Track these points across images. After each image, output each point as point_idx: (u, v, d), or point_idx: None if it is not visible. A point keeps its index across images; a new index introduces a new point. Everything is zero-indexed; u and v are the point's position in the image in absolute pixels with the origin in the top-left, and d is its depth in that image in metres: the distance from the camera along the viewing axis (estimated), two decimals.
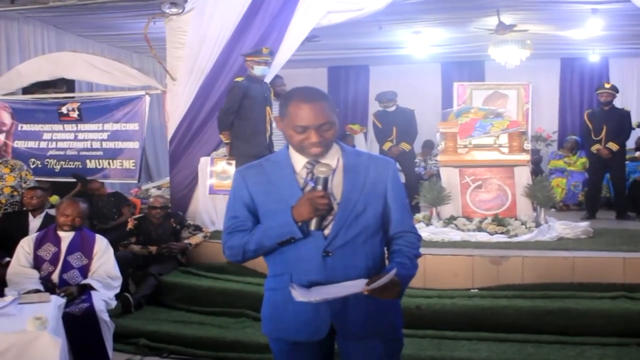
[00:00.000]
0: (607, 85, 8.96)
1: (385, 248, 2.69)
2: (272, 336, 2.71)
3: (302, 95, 2.49)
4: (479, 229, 6.98)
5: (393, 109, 9.46)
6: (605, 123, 8.72)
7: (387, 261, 2.66)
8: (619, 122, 8.77)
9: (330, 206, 2.46)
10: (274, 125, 7.23)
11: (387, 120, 9.45)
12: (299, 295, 2.39)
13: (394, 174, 2.64)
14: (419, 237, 2.70)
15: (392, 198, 2.60)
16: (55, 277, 4.92)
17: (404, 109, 9.55)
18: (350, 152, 2.63)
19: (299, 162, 2.56)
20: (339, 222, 2.51)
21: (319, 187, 2.43)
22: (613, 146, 8.65)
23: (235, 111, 6.83)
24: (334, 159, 2.57)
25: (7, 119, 9.01)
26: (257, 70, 6.97)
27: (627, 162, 10.04)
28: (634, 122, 11.00)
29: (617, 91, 8.91)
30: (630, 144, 10.95)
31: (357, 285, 2.40)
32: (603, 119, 8.78)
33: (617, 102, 9.09)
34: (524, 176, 7.30)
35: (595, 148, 8.81)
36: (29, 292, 4.52)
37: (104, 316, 4.64)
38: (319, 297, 2.38)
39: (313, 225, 2.46)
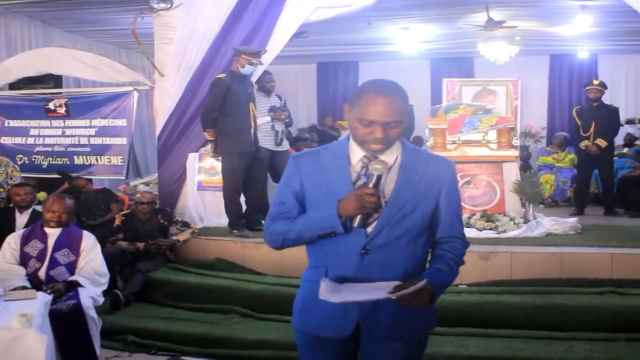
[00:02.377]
0: (595, 82, 8.99)
1: (430, 250, 2.61)
2: (299, 328, 2.66)
3: (378, 89, 2.42)
4: (468, 225, 6.96)
5: None
6: (594, 120, 8.76)
7: (428, 264, 2.59)
8: (608, 119, 8.81)
9: (379, 205, 2.38)
10: (258, 121, 7.20)
11: None
12: (324, 291, 2.33)
13: (452, 176, 2.55)
14: (467, 245, 2.61)
15: (444, 201, 2.51)
16: (42, 274, 4.88)
17: None
18: (411, 150, 2.54)
19: (357, 154, 2.49)
20: (383, 221, 2.43)
21: (371, 185, 2.36)
22: (602, 143, 8.69)
23: (218, 108, 6.76)
24: (393, 156, 2.48)
25: None
26: (247, 70, 6.93)
27: (615, 159, 10.08)
28: (622, 118, 11.05)
29: (605, 88, 8.93)
30: (619, 140, 11.00)
31: (385, 290, 2.31)
32: (592, 116, 8.81)
33: (607, 99, 9.13)
34: (513, 172, 7.31)
35: (584, 145, 8.85)
36: (15, 289, 4.48)
37: (92, 313, 4.61)
38: (339, 299, 2.32)
39: (357, 222, 2.39)
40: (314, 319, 2.57)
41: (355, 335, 2.54)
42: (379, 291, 2.33)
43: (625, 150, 10.71)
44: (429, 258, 2.60)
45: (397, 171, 2.47)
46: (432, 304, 2.44)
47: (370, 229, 2.45)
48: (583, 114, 8.97)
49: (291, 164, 2.59)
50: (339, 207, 2.38)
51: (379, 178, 2.37)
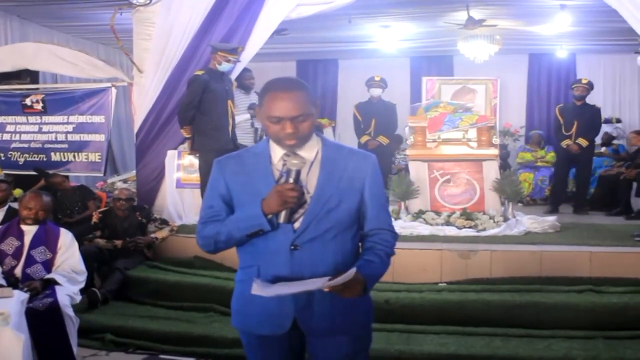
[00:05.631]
0: (584, 81, 9.07)
1: (360, 243, 2.66)
2: (240, 329, 2.70)
3: (278, 86, 2.47)
4: (448, 223, 7.00)
5: (379, 92, 9.43)
6: (577, 118, 8.82)
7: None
8: (590, 118, 8.88)
9: (301, 199, 2.44)
10: (238, 119, 7.17)
11: (367, 112, 9.44)
12: (257, 288, 2.38)
13: (374, 169, 2.60)
14: (395, 235, 2.69)
15: (368, 194, 2.57)
16: (18, 271, 4.80)
17: (386, 102, 9.57)
18: (330, 146, 2.60)
19: (278, 153, 2.54)
20: (309, 215, 2.48)
21: (290, 180, 2.41)
22: (583, 142, 8.75)
23: (195, 106, 6.71)
24: (312, 151, 2.54)
25: None
26: (224, 67, 6.87)
27: (593, 158, 10.15)
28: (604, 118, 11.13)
29: (592, 88, 9.02)
30: (597, 139, 11.08)
31: (317, 282, 2.38)
32: (575, 115, 8.87)
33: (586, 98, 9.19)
34: (492, 171, 7.34)
35: (565, 143, 8.91)
36: None
37: (69, 311, 4.55)
38: (273, 292, 2.37)
39: (282, 218, 2.44)
40: (251, 317, 2.60)
41: (297, 331, 2.57)
42: (311, 284, 2.40)
43: (603, 149, 10.81)
44: (360, 251, 2.65)
45: (319, 166, 2.53)
46: (365, 294, 2.51)
47: (297, 225, 2.50)
48: (566, 113, 9.03)
49: (215, 168, 2.64)
50: (263, 205, 2.43)
51: (298, 173, 2.43)
